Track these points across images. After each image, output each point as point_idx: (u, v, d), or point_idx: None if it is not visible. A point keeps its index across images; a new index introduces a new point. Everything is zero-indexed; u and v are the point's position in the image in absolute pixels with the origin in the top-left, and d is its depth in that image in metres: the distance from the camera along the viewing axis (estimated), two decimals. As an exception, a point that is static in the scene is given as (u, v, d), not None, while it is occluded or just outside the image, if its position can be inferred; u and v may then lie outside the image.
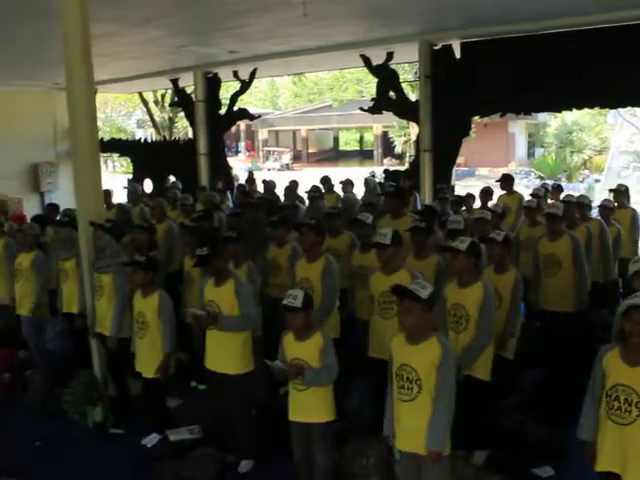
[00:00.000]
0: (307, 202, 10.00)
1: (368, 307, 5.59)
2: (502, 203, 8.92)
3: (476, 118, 11.55)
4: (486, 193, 9.10)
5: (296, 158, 46.14)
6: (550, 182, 14.38)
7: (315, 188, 10.04)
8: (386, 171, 12.55)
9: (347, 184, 11.08)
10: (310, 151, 49.37)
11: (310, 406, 4.38)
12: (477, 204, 9.24)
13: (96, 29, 6.13)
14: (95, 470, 5.34)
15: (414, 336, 3.84)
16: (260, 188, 12.23)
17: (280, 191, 11.51)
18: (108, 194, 10.72)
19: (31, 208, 15.18)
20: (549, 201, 9.10)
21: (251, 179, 12.96)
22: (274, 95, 53.25)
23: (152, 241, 7.16)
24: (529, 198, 8.36)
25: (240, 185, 12.47)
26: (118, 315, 5.97)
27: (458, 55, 10.44)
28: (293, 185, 11.21)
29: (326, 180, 11.33)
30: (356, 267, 6.05)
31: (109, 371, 6.34)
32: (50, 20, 8.00)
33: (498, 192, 9.51)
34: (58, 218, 8.76)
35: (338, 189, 11.33)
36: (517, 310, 5.45)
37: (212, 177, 13.98)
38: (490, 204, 8.82)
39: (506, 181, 9.63)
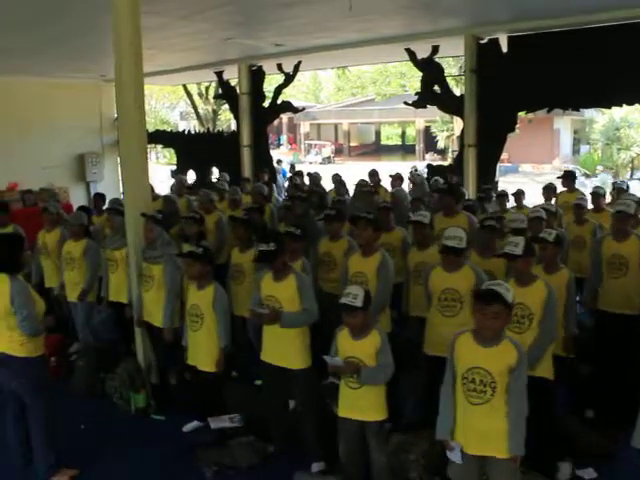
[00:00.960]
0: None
1: (423, 304, 5.54)
2: (562, 201, 8.79)
3: (521, 113, 11.40)
4: (549, 189, 8.95)
5: (337, 152, 46.11)
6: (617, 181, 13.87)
7: (363, 182, 9.98)
8: (429, 166, 12.48)
9: (396, 179, 10.97)
10: (352, 145, 49.28)
11: (363, 404, 4.32)
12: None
13: (144, 22, 6.18)
14: (137, 454, 5.44)
15: (490, 339, 3.73)
16: (303, 181, 12.24)
17: (324, 184, 11.48)
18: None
19: (77, 198, 15.51)
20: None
21: (298, 172, 12.97)
22: (316, 88, 53.24)
23: (201, 232, 7.15)
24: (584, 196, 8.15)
25: (292, 177, 12.44)
26: (170, 306, 5.96)
27: (505, 49, 10.31)
28: (340, 178, 11.14)
29: (374, 173, 11.23)
30: (414, 265, 5.94)
31: (155, 359, 6.40)
32: (99, 13, 8.18)
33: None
34: (106, 207, 8.85)
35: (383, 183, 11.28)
36: (574, 309, 5.31)
37: (255, 169, 14.08)
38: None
39: (567, 178, 9.45)
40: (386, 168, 11.72)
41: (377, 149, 50.42)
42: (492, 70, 10.28)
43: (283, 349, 4.98)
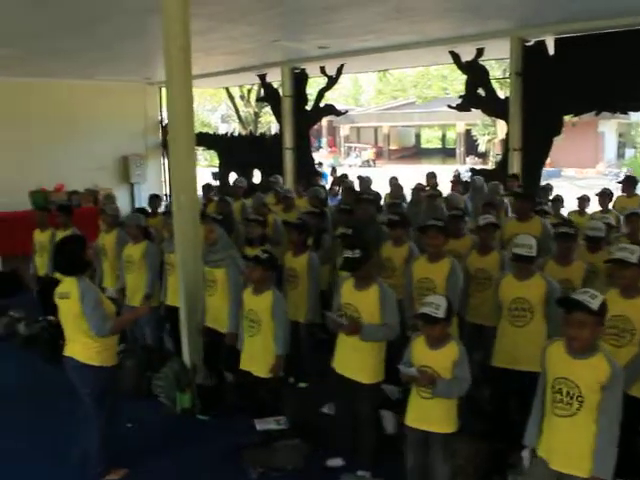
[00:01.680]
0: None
1: (483, 312, 5.50)
2: (620, 206, 8.58)
3: (567, 117, 11.23)
4: (604, 195, 8.69)
5: (377, 155, 46.02)
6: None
7: (421, 186, 9.89)
8: (472, 170, 12.37)
9: (456, 183, 10.84)
10: (391, 148, 49.12)
11: (433, 415, 4.21)
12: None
13: (192, 25, 6.24)
14: (182, 454, 5.48)
15: (580, 350, 3.51)
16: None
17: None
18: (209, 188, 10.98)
19: (121, 199, 15.68)
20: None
21: (344, 175, 12.88)
22: (357, 91, 53.21)
23: (264, 235, 7.11)
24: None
25: (344, 181, 12.33)
26: (235, 310, 5.84)
27: (552, 51, 10.17)
28: (397, 181, 11.04)
29: (432, 175, 11.06)
30: (473, 270, 5.88)
31: (206, 361, 6.41)
32: (147, 17, 8.34)
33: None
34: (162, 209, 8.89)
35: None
36: None
37: (297, 172, 14.12)
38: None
39: (628, 183, 9.26)
40: (426, 171, 11.55)
41: (417, 152, 50.14)
42: (538, 72, 10.16)
43: (356, 361, 4.84)
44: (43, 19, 8.74)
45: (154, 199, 10.22)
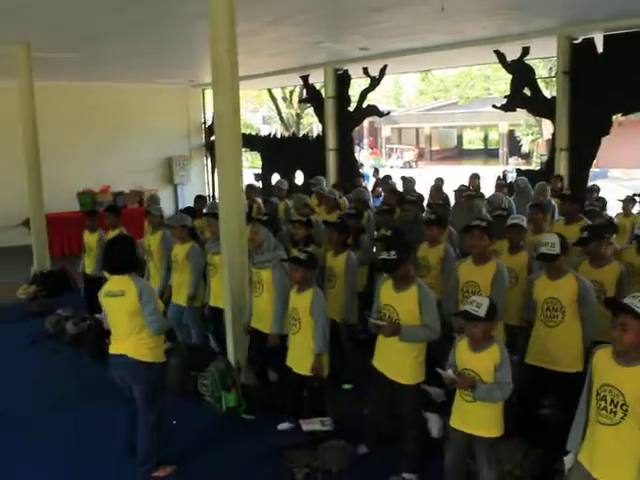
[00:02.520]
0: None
1: (510, 311, 5.42)
2: None
3: (615, 116, 11.00)
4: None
5: (419, 156, 45.78)
6: None
7: (464, 187, 9.80)
8: (519, 170, 12.21)
9: (499, 185, 10.70)
10: (433, 149, 48.81)
11: (476, 418, 4.15)
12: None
13: (236, 27, 6.28)
14: (227, 453, 5.52)
15: (627, 356, 3.38)
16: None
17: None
18: (252, 189, 11.00)
19: (165, 200, 15.88)
20: None
21: (388, 176, 12.83)
22: (398, 92, 53.01)
23: (309, 236, 7.11)
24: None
25: (387, 182, 12.28)
26: (280, 311, 5.86)
27: (600, 49, 9.97)
28: (440, 183, 10.94)
29: (475, 176, 10.96)
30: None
31: (250, 362, 6.44)
32: (193, 21, 8.43)
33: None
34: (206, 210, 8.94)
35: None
36: None
37: (340, 173, 14.11)
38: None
39: None
40: (468, 173, 11.44)
41: (459, 153, 49.77)
42: (586, 71, 9.97)
43: (395, 361, 4.82)
44: (104, 23, 8.95)
45: (199, 200, 10.27)
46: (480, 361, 4.09)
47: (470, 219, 6.85)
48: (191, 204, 10.42)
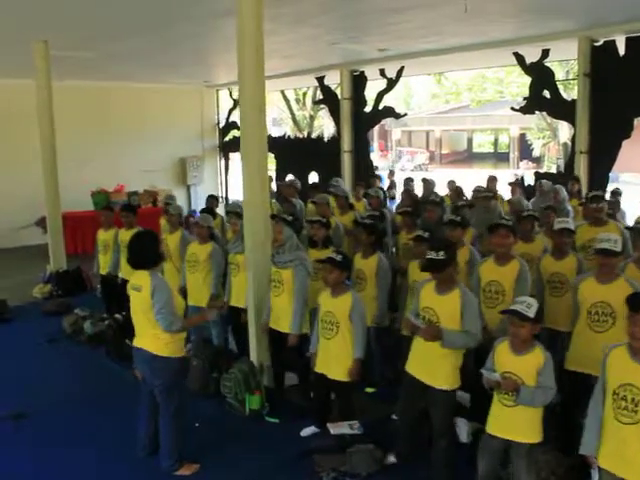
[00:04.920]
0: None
1: (558, 317, 5.34)
2: None
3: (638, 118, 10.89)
4: None
5: (429, 159, 45.67)
6: None
7: (481, 188, 9.71)
8: (537, 173, 12.11)
9: (515, 186, 10.58)
10: (443, 152, 48.68)
11: (516, 424, 4.08)
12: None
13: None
14: (251, 456, 5.45)
15: None
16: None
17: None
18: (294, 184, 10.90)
19: (178, 200, 15.82)
20: None
21: (410, 179, 12.73)
22: (408, 95, 52.88)
23: (328, 237, 7.00)
24: None
25: (406, 183, 12.16)
26: (300, 312, 5.84)
27: (622, 51, 9.88)
28: (457, 185, 10.79)
29: (492, 179, 10.74)
30: (549, 274, 5.68)
31: (273, 362, 6.39)
32: (210, 21, 8.39)
33: None
34: (226, 209, 8.85)
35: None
36: None
37: (355, 175, 14.05)
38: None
39: None
40: (478, 176, 11.35)
41: (469, 156, 49.61)
42: (607, 73, 9.89)
43: (430, 365, 4.68)
44: (120, 22, 8.92)
45: (211, 200, 10.20)
46: (523, 364, 4.02)
47: (489, 220, 6.80)
48: (203, 205, 10.37)
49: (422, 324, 4.58)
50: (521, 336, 4.02)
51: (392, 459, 5.12)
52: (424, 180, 11.53)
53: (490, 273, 5.47)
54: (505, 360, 4.11)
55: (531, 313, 3.95)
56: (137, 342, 5.04)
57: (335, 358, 5.26)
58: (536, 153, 37.26)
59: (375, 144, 49.58)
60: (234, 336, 7.36)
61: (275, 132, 34.62)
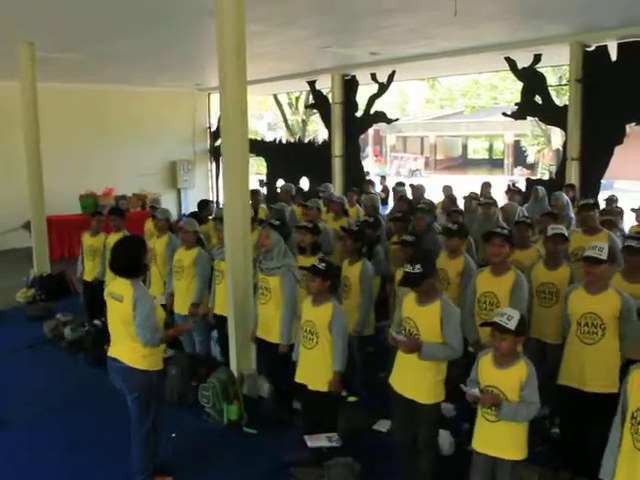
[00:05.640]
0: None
1: (547, 328, 5.21)
2: None
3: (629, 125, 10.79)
4: None
5: (424, 165, 45.60)
6: None
7: (474, 194, 9.58)
8: (528, 180, 12.02)
9: (513, 192, 10.43)
10: (438, 158, 48.65)
11: (499, 439, 3.94)
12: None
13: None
14: (228, 468, 5.29)
15: None
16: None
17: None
18: (257, 194, 10.68)
19: (168, 204, 15.72)
20: None
21: (401, 183, 12.59)
22: (403, 101, 52.92)
23: (316, 242, 6.80)
24: None
25: (398, 190, 12.03)
26: (288, 321, 5.66)
27: (614, 57, 9.79)
28: (452, 191, 10.66)
29: (487, 185, 10.69)
30: (538, 283, 5.53)
31: (265, 373, 6.24)
32: (198, 20, 8.27)
33: None
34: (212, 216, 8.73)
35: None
36: None
37: (346, 180, 13.93)
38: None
39: None
40: (472, 182, 11.23)
41: (463, 163, 49.55)
42: (599, 79, 9.81)
43: (415, 379, 4.50)
44: (107, 23, 8.81)
45: (204, 205, 10.03)
46: (505, 378, 3.88)
47: (487, 228, 6.62)
48: (194, 209, 10.20)
49: (402, 337, 4.42)
50: (502, 349, 3.87)
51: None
52: (412, 186, 11.39)
53: (485, 284, 5.29)
54: (488, 373, 3.97)
55: (512, 325, 3.80)
56: (113, 352, 4.80)
57: (314, 369, 5.10)
58: (530, 160, 37.27)
59: (370, 150, 49.63)
60: (219, 344, 7.17)
61: (270, 137, 34.61)
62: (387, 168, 42.84)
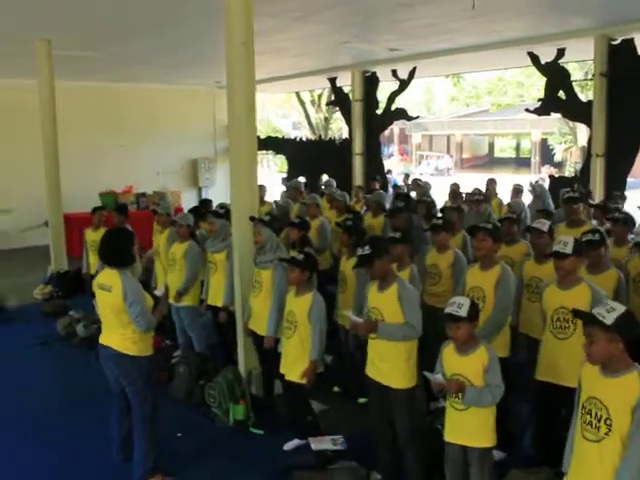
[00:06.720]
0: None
1: (536, 323, 5.04)
2: None
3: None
4: None
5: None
6: None
7: (476, 190, 9.45)
8: (551, 177, 11.77)
9: (516, 192, 10.31)
10: (464, 157, 48.22)
11: (468, 428, 3.93)
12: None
13: (256, 24, 5.96)
14: (232, 469, 5.20)
15: (607, 368, 3.15)
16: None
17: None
18: (261, 189, 10.75)
19: (189, 202, 15.67)
20: None
21: (414, 180, 12.50)
22: (429, 99, 52.57)
23: (304, 237, 6.94)
24: None
25: (395, 186, 12.01)
26: (275, 314, 5.67)
27: (641, 50, 9.54)
28: (456, 187, 10.58)
29: (490, 182, 10.62)
30: (528, 279, 5.45)
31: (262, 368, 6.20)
32: (214, 18, 8.15)
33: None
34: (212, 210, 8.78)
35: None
36: None
37: (367, 177, 13.79)
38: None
39: None
40: (499, 181, 11.04)
41: (490, 161, 49.04)
42: (625, 73, 9.54)
43: (385, 365, 4.54)
44: (124, 21, 8.82)
45: (206, 203, 10.16)
46: (468, 365, 3.91)
47: (477, 223, 6.57)
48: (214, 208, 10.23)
49: (358, 319, 4.52)
50: (460, 337, 3.91)
51: (377, 477, 4.82)
52: (415, 181, 11.37)
53: (474, 279, 5.26)
54: (451, 362, 4.00)
55: (463, 312, 3.83)
56: (104, 339, 4.89)
57: (292, 358, 5.17)
58: (558, 158, 36.75)
59: (395, 148, 49.39)
60: (217, 337, 7.25)
61: (294, 136, 34.57)
62: (412, 167, 42.53)
